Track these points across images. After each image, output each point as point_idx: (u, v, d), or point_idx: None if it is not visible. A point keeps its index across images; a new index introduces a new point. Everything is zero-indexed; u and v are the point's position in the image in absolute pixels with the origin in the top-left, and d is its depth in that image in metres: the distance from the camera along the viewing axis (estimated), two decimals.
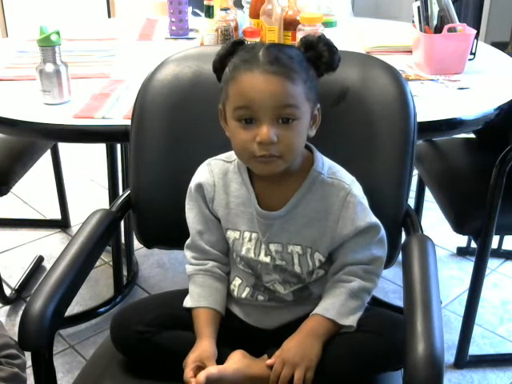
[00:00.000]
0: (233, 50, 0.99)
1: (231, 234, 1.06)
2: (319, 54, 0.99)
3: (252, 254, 1.05)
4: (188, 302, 1.06)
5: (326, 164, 1.04)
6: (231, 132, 0.99)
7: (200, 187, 1.08)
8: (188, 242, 1.11)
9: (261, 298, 1.07)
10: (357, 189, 1.03)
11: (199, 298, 1.06)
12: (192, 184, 1.09)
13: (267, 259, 1.04)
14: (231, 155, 1.07)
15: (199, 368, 0.97)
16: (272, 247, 1.04)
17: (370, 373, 1.02)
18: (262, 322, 1.08)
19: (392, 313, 1.08)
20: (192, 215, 1.09)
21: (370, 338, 0.99)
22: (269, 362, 0.98)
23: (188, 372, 0.97)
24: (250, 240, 1.05)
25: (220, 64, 1.01)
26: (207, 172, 1.08)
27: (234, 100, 0.96)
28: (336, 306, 1.00)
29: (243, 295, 1.08)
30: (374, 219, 1.03)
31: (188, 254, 1.11)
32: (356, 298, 1.02)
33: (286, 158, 0.96)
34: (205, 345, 1.00)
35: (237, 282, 1.09)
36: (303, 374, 0.95)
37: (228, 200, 1.06)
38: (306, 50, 0.99)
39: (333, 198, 1.01)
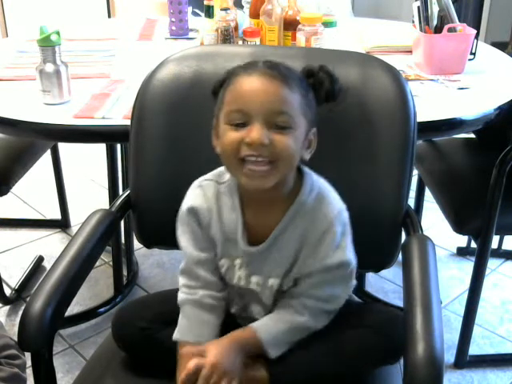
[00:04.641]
0: (233, 71, 0.97)
1: (225, 262, 1.03)
2: (319, 82, 0.98)
3: (243, 282, 1.03)
4: (176, 334, 1.02)
5: (315, 190, 0.99)
6: (220, 139, 0.95)
7: (194, 211, 1.02)
8: (182, 266, 1.05)
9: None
10: (339, 223, 0.98)
11: (185, 330, 1.02)
12: (184, 207, 1.04)
13: (255, 287, 1.02)
14: (222, 174, 1.04)
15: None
16: (254, 279, 1.02)
17: (367, 367, 1.03)
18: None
19: (389, 308, 1.08)
20: (185, 239, 1.04)
21: (367, 332, 1.00)
22: (198, 363, 0.93)
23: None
24: (240, 268, 1.03)
25: (220, 84, 0.99)
26: (201, 196, 1.03)
27: (229, 104, 0.93)
28: (272, 332, 0.98)
29: (234, 310, 1.07)
30: (346, 257, 0.99)
31: (181, 280, 1.04)
32: (296, 334, 0.99)
33: (278, 165, 0.91)
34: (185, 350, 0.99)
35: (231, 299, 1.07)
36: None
37: (222, 227, 1.02)
38: (307, 77, 0.98)
39: (313, 231, 0.98)
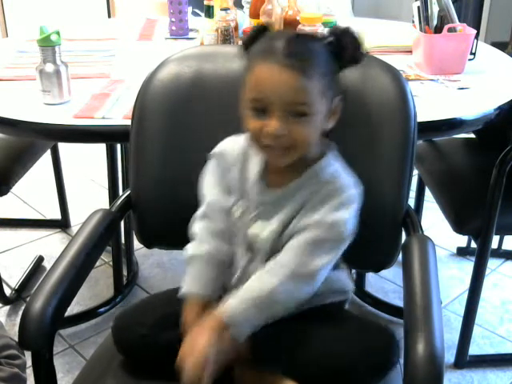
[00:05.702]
0: (256, 35, 1.00)
1: (240, 207, 1.06)
2: (343, 47, 0.98)
3: (256, 230, 1.04)
4: (182, 289, 1.05)
5: (332, 165, 1.02)
6: (245, 120, 0.99)
7: (221, 154, 1.09)
8: (198, 212, 1.08)
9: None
10: (349, 193, 1.00)
11: (189, 284, 1.04)
12: (213, 151, 1.10)
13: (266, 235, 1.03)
14: None
15: None
16: (257, 224, 1.03)
17: (367, 368, 1.02)
18: None
19: (380, 324, 1.07)
20: (206, 183, 1.09)
21: (367, 333, 1.00)
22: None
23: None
24: (253, 216, 1.04)
25: (246, 47, 1.02)
26: (232, 142, 1.09)
27: (249, 90, 0.96)
28: (236, 312, 0.96)
29: (233, 279, 1.07)
30: (344, 220, 0.98)
31: (194, 226, 1.07)
32: (263, 309, 0.97)
33: (296, 149, 0.96)
34: (188, 309, 1.01)
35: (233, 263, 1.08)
36: (190, 368, 0.92)
37: (245, 174, 1.06)
38: (332, 39, 0.98)
39: (321, 191, 1.00)
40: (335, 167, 1.03)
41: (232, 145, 1.09)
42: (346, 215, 0.99)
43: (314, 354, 0.98)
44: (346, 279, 1.10)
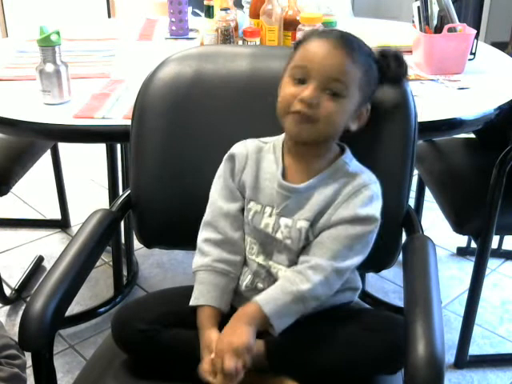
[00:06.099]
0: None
1: (253, 206, 1.06)
2: (387, 65, 1.05)
3: (270, 229, 1.05)
4: (192, 301, 1.06)
5: (353, 161, 1.06)
6: (281, 88, 1.02)
7: (232, 158, 1.09)
8: (205, 218, 1.10)
9: (260, 285, 1.06)
10: (375, 187, 1.04)
11: (198, 295, 1.05)
12: (225, 156, 1.11)
13: (281, 236, 1.04)
14: (267, 139, 1.10)
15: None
16: (282, 221, 1.04)
17: (368, 371, 1.02)
18: None
19: (392, 313, 1.08)
20: (215, 189, 1.10)
21: (369, 335, 0.99)
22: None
23: (204, 366, 0.97)
24: (270, 215, 1.05)
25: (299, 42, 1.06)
26: (242, 146, 1.10)
27: (296, 60, 1.01)
28: (277, 304, 0.97)
29: (245, 282, 1.07)
30: (375, 214, 1.02)
31: (201, 234, 1.09)
32: (300, 305, 0.98)
33: (320, 125, 0.98)
34: (207, 336, 1.00)
35: (243, 269, 1.09)
36: (233, 359, 0.92)
37: (258, 173, 1.07)
38: (380, 56, 1.05)
39: (349, 186, 1.03)
40: (356, 162, 1.06)
41: (243, 147, 1.10)
42: (376, 209, 1.02)
43: (329, 358, 0.99)
44: (356, 276, 1.12)
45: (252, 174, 1.07)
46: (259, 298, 0.98)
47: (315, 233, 1.03)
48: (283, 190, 1.04)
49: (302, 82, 0.99)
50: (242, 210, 1.08)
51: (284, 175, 1.05)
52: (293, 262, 1.04)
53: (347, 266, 1.01)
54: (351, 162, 1.06)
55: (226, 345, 0.94)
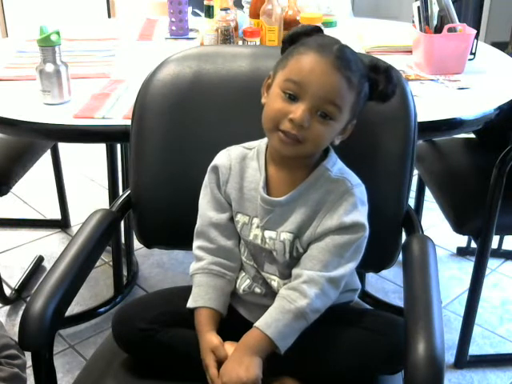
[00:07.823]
0: (310, 32, 1.01)
1: (241, 218, 1.06)
2: (377, 81, 1.00)
3: (259, 241, 1.04)
4: (189, 303, 1.06)
5: (337, 164, 1.04)
6: (269, 98, 0.99)
7: (215, 169, 1.08)
8: (197, 228, 1.09)
9: (257, 290, 1.06)
10: (359, 191, 1.02)
11: (196, 297, 1.05)
12: (209, 167, 1.09)
13: (268, 247, 1.04)
14: (252, 144, 1.08)
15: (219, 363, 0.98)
16: (267, 234, 1.03)
17: (369, 372, 1.02)
18: None
19: (392, 315, 1.07)
20: (203, 200, 1.09)
21: (370, 336, 0.99)
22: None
23: (213, 372, 0.97)
24: (257, 227, 1.04)
25: (290, 39, 1.02)
26: (225, 156, 1.08)
27: (291, 71, 0.96)
28: (279, 326, 0.96)
29: (243, 286, 1.08)
30: (361, 220, 1.00)
31: (195, 242, 1.09)
32: (302, 320, 0.98)
33: (307, 146, 0.96)
34: (207, 339, 1.00)
35: (240, 274, 1.09)
36: None
37: (242, 184, 1.06)
38: (371, 70, 1.00)
39: (332, 194, 1.01)
40: (340, 165, 1.04)
41: (226, 157, 1.08)
42: (362, 214, 1.01)
43: (329, 359, 0.99)
44: (355, 277, 1.12)
45: (235, 187, 1.06)
46: (260, 324, 0.97)
47: (303, 245, 1.02)
48: (265, 204, 1.03)
49: (292, 99, 0.95)
50: (232, 218, 1.08)
51: (267, 185, 1.04)
52: (283, 273, 1.04)
53: (341, 274, 1.00)
54: (334, 166, 1.03)
55: (234, 379, 0.93)
